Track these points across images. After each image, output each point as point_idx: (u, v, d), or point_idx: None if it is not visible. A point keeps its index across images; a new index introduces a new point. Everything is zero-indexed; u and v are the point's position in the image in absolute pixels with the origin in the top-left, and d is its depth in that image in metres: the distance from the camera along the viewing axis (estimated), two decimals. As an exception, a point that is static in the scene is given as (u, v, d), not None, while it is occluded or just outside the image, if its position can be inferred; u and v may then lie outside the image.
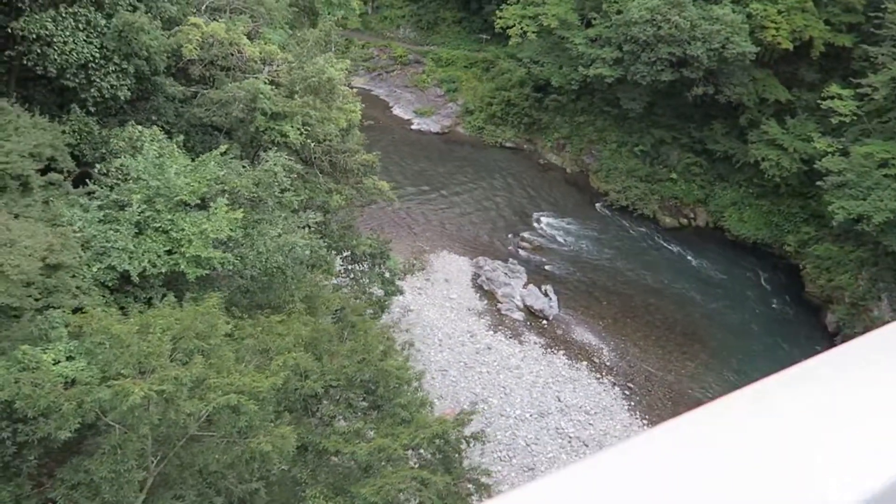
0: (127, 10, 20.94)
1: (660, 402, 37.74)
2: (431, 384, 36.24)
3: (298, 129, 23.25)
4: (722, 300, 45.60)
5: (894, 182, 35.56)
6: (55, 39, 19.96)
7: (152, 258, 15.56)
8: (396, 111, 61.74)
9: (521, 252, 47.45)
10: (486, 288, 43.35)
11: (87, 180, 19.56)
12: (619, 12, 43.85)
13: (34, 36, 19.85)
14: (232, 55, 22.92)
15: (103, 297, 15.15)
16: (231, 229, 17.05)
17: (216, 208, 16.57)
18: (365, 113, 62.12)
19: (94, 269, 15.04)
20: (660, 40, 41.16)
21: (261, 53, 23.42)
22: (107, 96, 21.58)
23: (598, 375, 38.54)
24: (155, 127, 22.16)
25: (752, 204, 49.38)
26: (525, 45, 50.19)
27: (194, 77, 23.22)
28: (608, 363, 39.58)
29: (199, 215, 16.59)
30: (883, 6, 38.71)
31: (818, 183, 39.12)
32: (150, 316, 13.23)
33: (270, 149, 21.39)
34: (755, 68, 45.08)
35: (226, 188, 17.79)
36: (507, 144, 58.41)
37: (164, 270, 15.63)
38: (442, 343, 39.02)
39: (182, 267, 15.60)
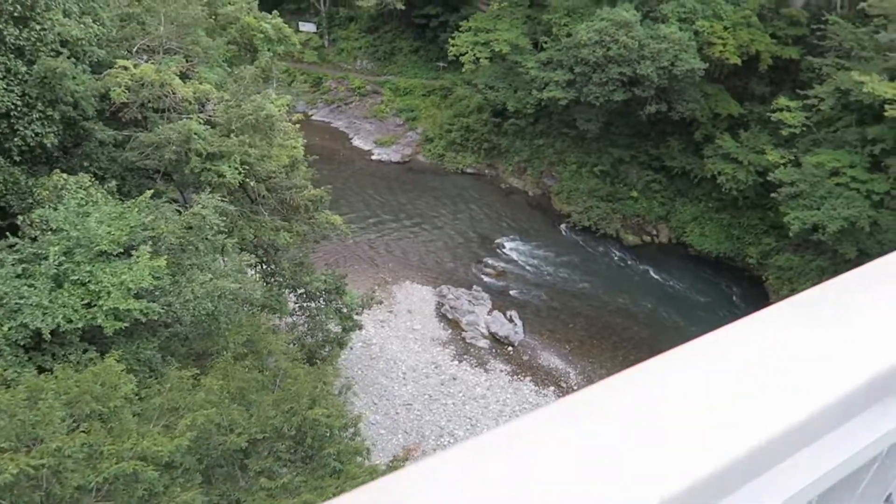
0: (49, 56, 20.32)
1: (630, 423, 37.23)
2: (395, 419, 35.46)
3: (236, 168, 22.67)
4: (688, 315, 45.48)
5: (846, 190, 35.87)
6: (-28, 89, 19.27)
7: (68, 313, 14.81)
8: (356, 142, 61.50)
9: (485, 278, 47.04)
10: (450, 317, 42.78)
11: (9, 233, 18.77)
12: (568, 35, 44.17)
13: (-52, 86, 19.16)
14: (164, 97, 22.36)
15: (16, 356, 14.35)
16: (155, 277, 16.36)
17: (138, 257, 15.89)
18: (324, 145, 62.26)
19: (5, 329, 14.25)
20: (610, 61, 41.44)
21: (195, 93, 22.89)
22: (32, 144, 20.88)
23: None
24: (83, 174, 21.50)
25: (713, 218, 49.63)
26: (479, 71, 50.36)
27: (126, 120, 22.62)
28: (575, 387, 39.04)
29: (121, 265, 15.90)
30: (824, 18, 39.45)
31: (772, 195, 39.36)
32: (43, 380, 12.44)
33: (204, 190, 20.79)
34: (706, 84, 45.59)
35: (152, 235, 17.12)
36: (469, 170, 58.32)
37: (80, 326, 14.88)
38: (406, 376, 38.25)
39: (99, 321, 14.86)
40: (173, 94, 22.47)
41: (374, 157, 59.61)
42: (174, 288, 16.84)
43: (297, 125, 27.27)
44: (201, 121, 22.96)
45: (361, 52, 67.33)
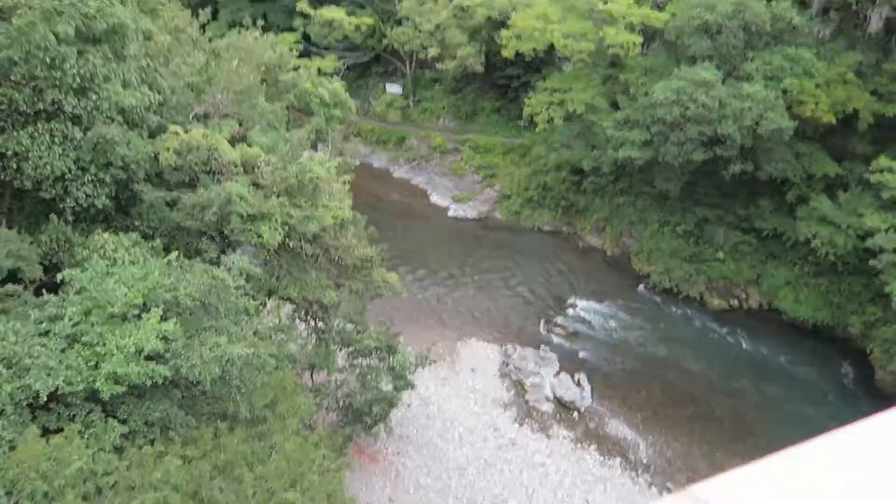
0: (105, 123, 21.66)
1: (703, 508, 33.97)
2: (447, 483, 34.15)
3: (276, 229, 23.04)
4: (779, 390, 41.57)
5: (955, 259, 31.96)
6: (30, 154, 20.76)
7: (70, 375, 15.20)
8: (434, 199, 61.98)
9: (555, 339, 45.29)
10: (514, 378, 41.29)
11: (54, 291, 19.74)
12: (645, 94, 42.83)
13: (11, 152, 20.72)
14: (211, 160, 23.24)
15: (20, 417, 14.80)
16: (167, 340, 16.59)
17: (146, 320, 16.20)
18: (403, 201, 63.20)
19: (9, 388, 14.77)
20: (688, 120, 39.65)
21: (242, 156, 23.67)
22: (85, 206, 22.13)
23: (634, 474, 35.33)
24: (131, 233, 22.50)
25: (809, 283, 45.68)
26: (555, 130, 49.75)
27: (175, 182, 23.64)
28: (645, 460, 36.31)
29: (130, 327, 16.25)
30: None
31: (871, 262, 35.73)
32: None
33: (234, 252, 21.18)
34: (798, 142, 42.64)
35: (170, 297, 17.48)
36: (546, 228, 57.19)
37: (80, 388, 15.20)
38: (462, 438, 36.94)
39: (98, 384, 15.13)
40: (219, 158, 23.27)
41: (450, 214, 59.76)
42: (186, 351, 16.98)
43: (347, 185, 27.53)
44: (246, 183, 23.58)
45: (444, 112, 68.55)
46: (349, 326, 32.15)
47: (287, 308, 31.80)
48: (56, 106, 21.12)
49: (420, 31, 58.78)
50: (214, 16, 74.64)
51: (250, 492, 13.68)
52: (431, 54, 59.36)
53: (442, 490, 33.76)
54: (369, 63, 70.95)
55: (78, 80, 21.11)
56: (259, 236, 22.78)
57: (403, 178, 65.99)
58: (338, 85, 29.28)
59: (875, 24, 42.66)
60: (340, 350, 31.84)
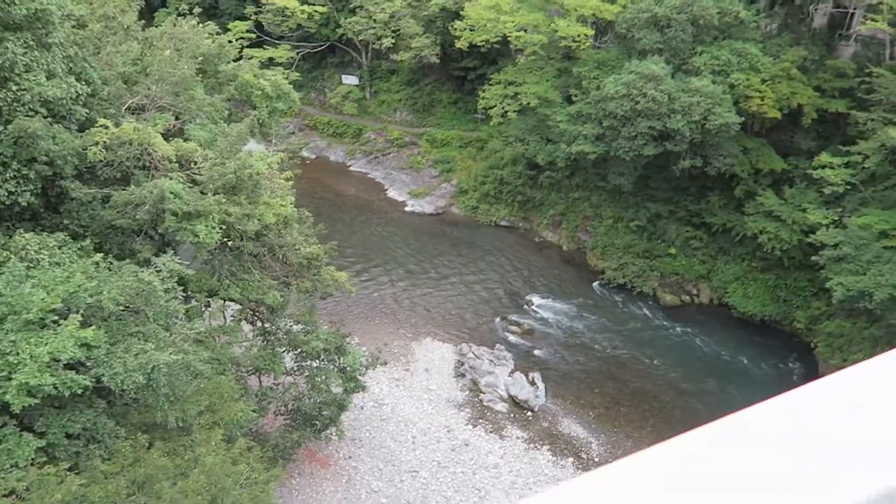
0: (27, 116, 20.41)
1: (654, 503, 34.16)
2: (399, 487, 33.63)
3: (213, 227, 22.08)
4: (728, 384, 42.14)
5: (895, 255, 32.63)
6: (-55, 149, 19.45)
7: (-22, 386, 14.23)
8: (391, 193, 61.20)
9: (510, 337, 45.09)
10: (468, 377, 40.93)
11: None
12: (598, 88, 42.78)
13: (-77, 147, 19.39)
14: (143, 155, 22.15)
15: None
16: (87, 347, 15.65)
17: (64, 326, 15.24)
18: (359, 196, 62.15)
19: (-86, 401, 13.75)
20: (638, 114, 39.72)
21: (177, 152, 22.61)
22: (7, 203, 20.86)
23: (584, 473, 35.26)
24: (59, 233, 21.34)
25: (757, 278, 46.40)
26: (510, 124, 49.44)
27: (106, 178, 22.49)
28: (597, 458, 36.37)
29: (48, 335, 15.27)
30: (869, 71, 36.75)
31: (813, 258, 36.32)
32: None
33: (174, 251, 20.23)
34: (746, 138, 43.16)
35: (91, 301, 16.48)
36: (502, 223, 56.94)
37: (-12, 400, 14.24)
38: (416, 440, 36.47)
39: (8, 396, 14.16)
40: (153, 153, 22.20)
41: (407, 209, 59.07)
42: (109, 359, 16.05)
43: (290, 182, 26.66)
44: (182, 179, 22.56)
45: (401, 105, 67.70)
46: (297, 327, 31.29)
47: (234, 308, 30.83)
48: (-28, 97, 19.81)
49: (375, 21, 57.79)
50: (164, 3, 72.43)
51: (168, 511, 12.96)
52: (386, 45, 58.48)
53: (394, 495, 33.22)
54: (325, 53, 69.63)
55: (-4, 69, 19.83)
56: (195, 235, 21.78)
57: (360, 172, 64.99)
58: (280, 77, 28.26)
59: (818, 19, 43.39)
60: (288, 352, 30.97)
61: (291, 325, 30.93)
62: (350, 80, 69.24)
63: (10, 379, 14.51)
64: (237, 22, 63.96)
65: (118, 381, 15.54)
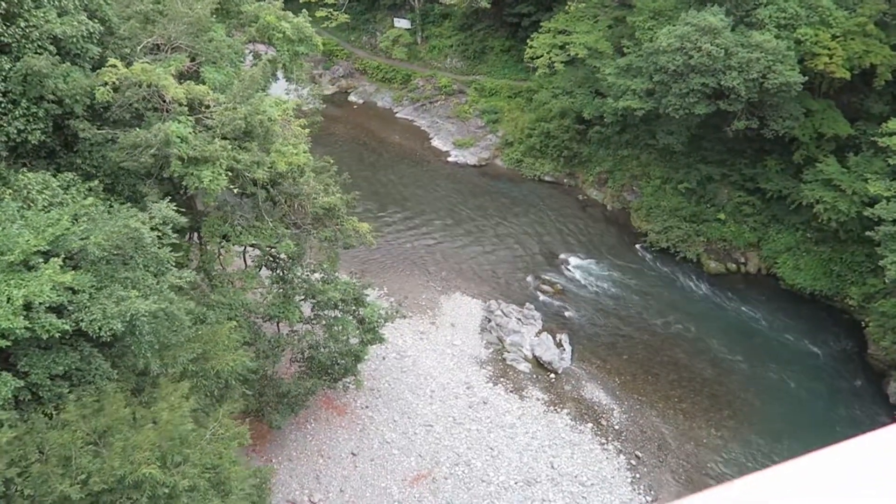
0: (36, 54, 20.30)
1: (671, 475, 33.35)
2: (412, 439, 33.77)
3: (219, 174, 21.79)
4: (767, 360, 40.25)
5: (960, 236, 29.87)
6: (-46, 84, 19.59)
7: (-46, 325, 14.45)
8: (435, 142, 60.12)
9: (541, 296, 44.14)
10: (494, 335, 40.41)
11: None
12: (651, 40, 40.16)
13: (-67, 82, 19.57)
14: (151, 97, 21.87)
15: None
16: (73, 291, 15.70)
17: (44, 270, 15.27)
18: (403, 144, 61.34)
19: None
20: (691, 70, 37.14)
21: (187, 94, 22.24)
22: (18, 141, 21.03)
23: (603, 440, 34.64)
24: (67, 173, 21.46)
25: (811, 250, 43.69)
26: (557, 75, 47.27)
27: (116, 119, 22.37)
28: (617, 426, 35.57)
29: (27, 277, 15.34)
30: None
31: (868, 233, 33.70)
32: None
33: (162, 199, 20.07)
34: (810, 99, 39.93)
35: (77, 245, 16.46)
36: (546, 178, 55.26)
37: (-36, 340, 14.46)
38: (434, 394, 36.41)
39: (-21, 337, 14.37)
40: (162, 95, 21.89)
41: (450, 159, 57.97)
42: (91, 304, 16.09)
43: (307, 130, 26.04)
44: (190, 123, 22.24)
45: (452, 51, 65.80)
46: (316, 276, 31.20)
47: (256, 254, 30.89)
48: (-19, 33, 19.77)
49: (425, -38, 55.68)
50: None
51: (116, 462, 12.96)
52: (436, -12, 56.39)
53: (406, 447, 33.39)
54: (377, -5, 68.00)
55: (3, 4, 19.67)
56: (201, 181, 21.55)
57: (406, 119, 64.00)
58: (302, 20, 27.32)
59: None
60: (305, 301, 30.98)
61: (310, 274, 30.83)
62: (402, 23, 67.55)
63: (-13, 319, 14.73)
64: (289, -40, 62.72)
65: (95, 327, 15.60)
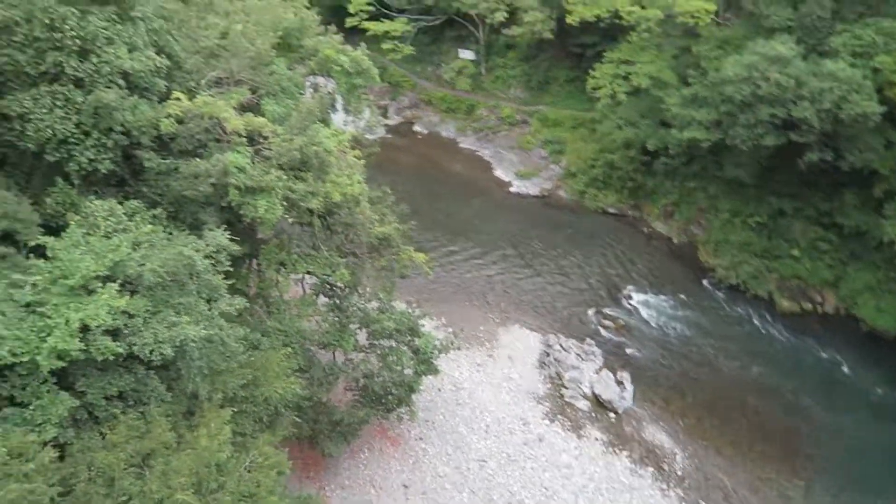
0: (106, 87, 21.29)
1: (738, 529, 31.36)
2: (465, 475, 33.05)
3: (274, 203, 22.21)
4: (845, 407, 37.68)
5: None
6: (33, 117, 20.71)
7: (17, 346, 14.96)
8: (497, 172, 59.97)
9: (603, 331, 42.88)
10: (552, 370, 39.38)
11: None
12: (717, 69, 39.01)
13: (15, 114, 20.74)
14: (212, 129, 22.57)
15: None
16: (128, 315, 16.12)
17: (101, 294, 15.73)
18: (465, 174, 61.46)
19: (-41, 353, 14.72)
20: (759, 100, 35.77)
21: (246, 126, 22.86)
22: (89, 170, 22.00)
23: (665, 486, 33.02)
24: (133, 201, 22.28)
25: (894, 290, 40.92)
26: (620, 105, 46.51)
27: (179, 150, 23.16)
28: (680, 472, 33.85)
29: (88, 301, 15.83)
30: None
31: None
32: None
33: (220, 227, 20.53)
34: (891, 130, 37.77)
35: (134, 271, 16.94)
36: (610, 210, 54.11)
37: (25, 360, 14.94)
38: (489, 429, 35.64)
39: (40, 357, 14.82)
40: (223, 126, 22.55)
41: (512, 190, 57.66)
42: (145, 328, 16.46)
43: (363, 161, 26.31)
44: (249, 153, 22.81)
45: (516, 81, 65.95)
46: (372, 305, 31.26)
47: (313, 281, 31.22)
48: (58, 68, 20.90)
49: (490, -5, 56.27)
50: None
51: (155, 486, 13.05)
52: (498, 19, 56.79)
53: (459, 482, 32.68)
54: (443, 27, 68.98)
55: (78, 42, 20.77)
56: (257, 210, 21.99)
57: (469, 149, 64.19)
58: (360, 53, 27.87)
59: None
60: (360, 329, 31.03)
61: (366, 303, 30.91)
62: (466, 54, 68.23)
63: (44, 341, 15.23)
64: (358, -6, 64.62)
65: (146, 351, 15.92)
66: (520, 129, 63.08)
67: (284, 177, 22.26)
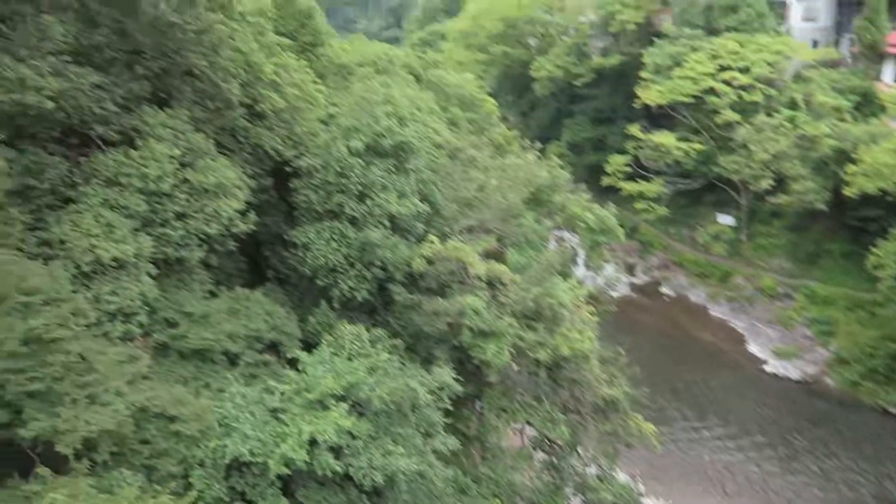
0: (375, 227, 24.13)
1: None
2: None
3: (502, 349, 22.63)
4: None
5: None
6: (313, 246, 24.08)
7: (256, 447, 16.44)
8: (751, 347, 54.70)
9: (874, 560, 34.91)
10: None
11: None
12: None
13: (301, 242, 24.34)
14: (457, 271, 24.09)
15: (215, 471, 16.40)
16: (351, 435, 17.03)
17: (331, 411, 16.88)
18: (713, 343, 57.32)
19: (213, 444, 16.58)
20: None
21: (488, 272, 24.07)
22: (348, 297, 24.63)
23: None
24: (378, 329, 24.25)
25: None
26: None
27: (425, 287, 24.95)
28: None
29: (318, 415, 17.08)
30: None
31: None
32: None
33: (449, 364, 21.22)
34: None
35: (364, 395, 18.07)
36: (892, 410, 45.71)
37: (259, 461, 16.31)
38: None
39: (271, 461, 16.05)
40: (467, 270, 23.99)
41: (767, 368, 51.91)
42: (363, 451, 17.21)
43: (595, 317, 25.87)
44: (486, 298, 23.81)
45: (780, 251, 61.12)
46: (591, 469, 29.37)
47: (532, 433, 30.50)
48: (340, 208, 24.28)
49: (754, 161, 54.17)
50: (558, 137, 79.95)
51: None
52: (763, 186, 54.08)
53: None
54: (702, 190, 67.58)
55: (360, 187, 24.05)
56: (485, 353, 22.52)
57: (720, 317, 59.89)
58: (606, 212, 28.23)
59: None
60: (575, 495, 29.10)
61: (584, 466, 29.15)
62: (726, 219, 65.54)
63: (278, 446, 16.63)
64: (617, 156, 66.72)
65: (360, 474, 16.51)
66: (781, 303, 57.56)
67: (516, 324, 22.63)
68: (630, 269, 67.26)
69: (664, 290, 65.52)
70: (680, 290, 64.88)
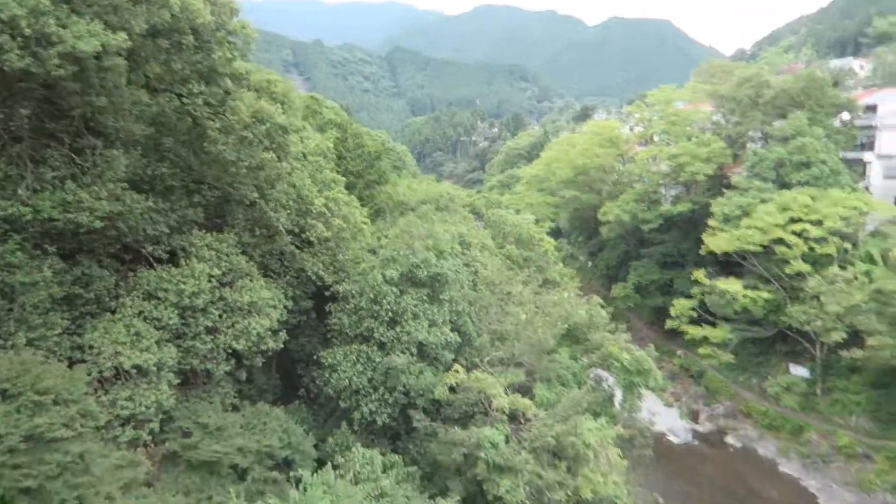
0: (402, 353, 24.78)
1: None
2: None
3: (517, 486, 22.07)
4: None
5: None
6: (339, 368, 24.85)
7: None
8: (825, 512, 49.91)
9: None
10: None
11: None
12: None
13: (328, 363, 25.17)
14: (479, 402, 24.09)
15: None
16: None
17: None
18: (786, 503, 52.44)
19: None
20: None
21: (511, 405, 23.95)
22: (369, 419, 24.94)
23: None
24: (394, 455, 24.25)
25: None
26: None
27: (446, 416, 24.95)
28: None
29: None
30: None
31: None
32: None
33: (459, 500, 20.79)
34: None
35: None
36: None
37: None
38: None
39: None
40: (488, 403, 23.98)
41: (842, 537, 46.98)
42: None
43: (624, 459, 24.91)
44: (507, 432, 23.56)
45: (860, 409, 56.86)
46: None
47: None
48: (369, 332, 25.17)
49: (825, 312, 51.97)
50: (625, 279, 79.64)
51: None
52: (834, 338, 51.47)
53: None
54: (773, 339, 64.78)
55: (390, 314, 24.98)
56: (499, 489, 22.01)
57: (791, 475, 55.30)
58: (642, 354, 27.76)
59: None
60: None
61: None
62: (799, 371, 62.14)
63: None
64: (682, 299, 65.57)
65: None
66: (860, 465, 52.78)
67: (533, 461, 22.14)
68: (694, 416, 64.10)
69: (729, 440, 61.52)
70: (747, 442, 60.74)
